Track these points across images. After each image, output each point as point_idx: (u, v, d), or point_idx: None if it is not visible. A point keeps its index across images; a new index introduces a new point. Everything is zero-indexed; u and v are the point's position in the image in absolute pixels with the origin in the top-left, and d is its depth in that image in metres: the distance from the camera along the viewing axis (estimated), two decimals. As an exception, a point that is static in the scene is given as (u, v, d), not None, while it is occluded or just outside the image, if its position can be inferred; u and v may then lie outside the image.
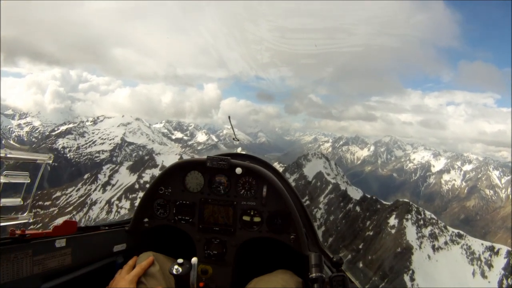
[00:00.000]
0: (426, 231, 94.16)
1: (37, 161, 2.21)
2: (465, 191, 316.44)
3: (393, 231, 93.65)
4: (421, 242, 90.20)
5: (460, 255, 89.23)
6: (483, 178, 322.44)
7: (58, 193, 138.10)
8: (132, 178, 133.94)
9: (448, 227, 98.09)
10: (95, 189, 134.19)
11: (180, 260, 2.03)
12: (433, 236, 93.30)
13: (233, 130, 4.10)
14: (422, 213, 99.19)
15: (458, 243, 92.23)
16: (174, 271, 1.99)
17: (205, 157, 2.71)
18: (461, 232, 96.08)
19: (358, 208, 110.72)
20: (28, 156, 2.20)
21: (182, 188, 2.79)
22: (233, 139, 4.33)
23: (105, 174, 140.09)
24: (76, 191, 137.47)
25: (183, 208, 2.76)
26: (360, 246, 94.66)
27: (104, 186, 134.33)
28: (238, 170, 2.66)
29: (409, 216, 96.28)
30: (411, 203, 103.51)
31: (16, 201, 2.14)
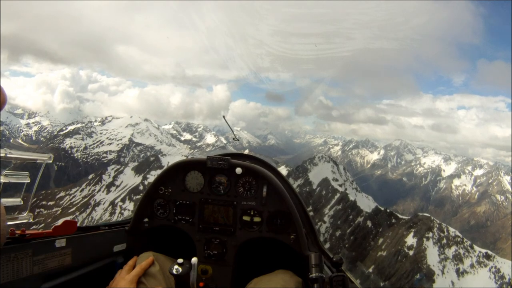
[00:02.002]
0: (450, 251, 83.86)
1: (37, 161, 2.27)
2: (476, 196, 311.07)
3: (411, 252, 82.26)
4: (444, 266, 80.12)
5: (488, 280, 78.63)
6: (494, 184, 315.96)
7: (62, 193, 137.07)
8: (137, 180, 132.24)
9: (474, 246, 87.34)
10: (99, 190, 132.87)
11: (180, 260, 2.06)
12: (458, 258, 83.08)
13: (232, 129, 3.92)
14: (445, 230, 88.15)
15: (485, 266, 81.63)
16: (174, 271, 2.02)
17: (205, 157, 2.75)
18: (489, 253, 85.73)
19: (369, 223, 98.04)
20: (28, 156, 2.25)
21: (182, 188, 2.81)
22: (233, 139, 4.21)
23: (109, 175, 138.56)
24: (80, 191, 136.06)
25: (183, 208, 2.79)
26: (371, 270, 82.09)
27: (108, 187, 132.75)
28: (238, 170, 2.69)
29: (431, 234, 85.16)
30: (432, 218, 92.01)
31: (16, 201, 2.18)
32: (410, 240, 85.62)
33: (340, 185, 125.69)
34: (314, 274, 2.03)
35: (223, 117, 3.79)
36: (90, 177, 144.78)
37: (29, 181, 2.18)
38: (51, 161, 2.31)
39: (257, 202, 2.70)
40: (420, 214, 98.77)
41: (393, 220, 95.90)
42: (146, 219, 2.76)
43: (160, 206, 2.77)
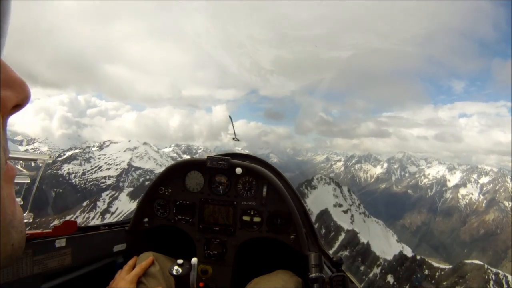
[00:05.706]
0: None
1: (37, 161, 2.28)
2: (483, 204, 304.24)
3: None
4: None
5: None
6: (501, 190, 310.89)
7: (56, 222, 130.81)
8: (132, 206, 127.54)
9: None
10: (93, 217, 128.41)
11: (180, 261, 2.07)
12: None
13: (234, 130, 3.96)
14: (503, 280, 61.57)
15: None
16: (174, 272, 2.02)
17: (205, 157, 2.77)
18: None
19: (390, 278, 67.81)
20: (28, 156, 2.26)
21: (182, 188, 2.83)
22: (233, 138, 4.07)
23: (104, 201, 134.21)
24: (74, 219, 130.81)
25: (183, 208, 2.80)
26: None
27: (103, 214, 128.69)
28: (238, 170, 2.70)
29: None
30: (486, 267, 63.00)
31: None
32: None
33: (345, 211, 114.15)
34: (314, 274, 2.03)
35: (229, 117, 3.77)
36: (84, 203, 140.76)
37: (29, 181, 2.17)
38: (51, 161, 2.30)
39: (257, 202, 2.71)
40: (468, 261, 70.13)
41: (426, 271, 67.14)
42: (146, 219, 2.76)
43: (160, 206, 2.78)
